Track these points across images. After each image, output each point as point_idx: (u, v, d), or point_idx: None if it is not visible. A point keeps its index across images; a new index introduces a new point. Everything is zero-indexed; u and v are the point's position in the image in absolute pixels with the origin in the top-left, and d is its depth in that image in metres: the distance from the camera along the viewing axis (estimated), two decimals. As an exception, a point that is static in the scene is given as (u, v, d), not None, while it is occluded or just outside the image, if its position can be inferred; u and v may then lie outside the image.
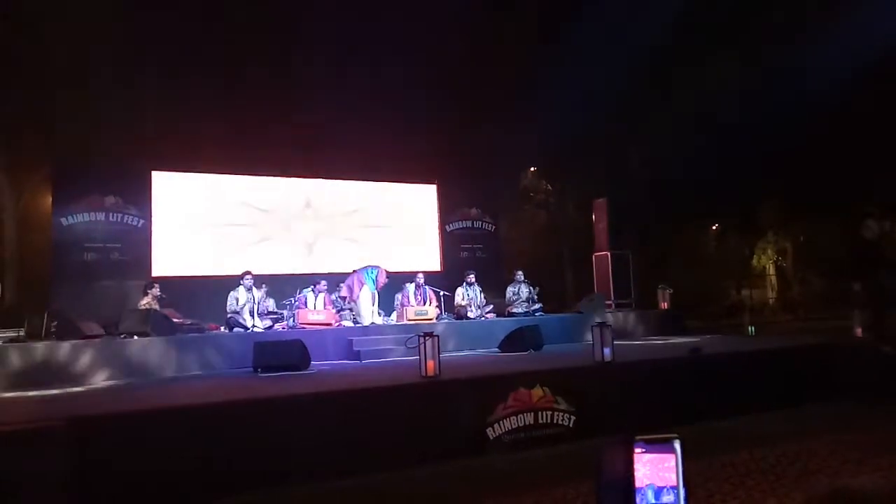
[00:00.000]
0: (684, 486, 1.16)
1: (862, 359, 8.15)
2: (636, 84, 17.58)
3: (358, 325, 10.55)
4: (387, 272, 11.42)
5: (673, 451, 1.16)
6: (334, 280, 11.87)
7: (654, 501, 1.13)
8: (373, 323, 10.86)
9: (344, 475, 5.21)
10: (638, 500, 1.12)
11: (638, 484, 1.14)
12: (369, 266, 11.38)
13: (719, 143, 20.56)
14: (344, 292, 11.31)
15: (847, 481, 0.82)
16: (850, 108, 18.52)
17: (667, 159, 18.75)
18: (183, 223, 12.63)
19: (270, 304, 10.62)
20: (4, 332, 8.86)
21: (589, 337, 7.36)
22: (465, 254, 14.99)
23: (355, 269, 11.49)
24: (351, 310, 10.99)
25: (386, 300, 11.58)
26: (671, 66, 17.51)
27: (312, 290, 10.76)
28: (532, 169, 22.21)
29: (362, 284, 11.09)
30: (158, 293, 10.45)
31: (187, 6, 13.56)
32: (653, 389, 6.86)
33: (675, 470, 1.15)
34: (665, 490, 1.13)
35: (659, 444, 1.17)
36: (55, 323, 9.41)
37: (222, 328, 10.06)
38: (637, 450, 1.16)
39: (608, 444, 1.25)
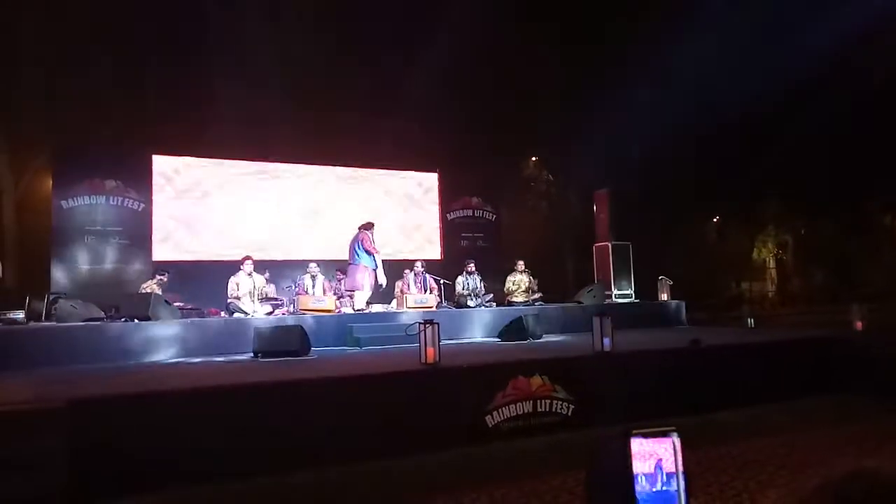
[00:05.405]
0: (684, 473, 1.16)
1: (861, 351, 8.15)
2: (639, 74, 17.48)
3: (358, 312, 10.54)
4: (363, 234, 11.08)
5: (671, 441, 1.16)
6: (333, 265, 11.88)
7: (653, 487, 1.12)
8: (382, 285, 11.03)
9: (343, 461, 5.23)
10: (637, 485, 1.12)
11: (636, 469, 1.14)
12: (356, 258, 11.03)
13: (721, 135, 20.50)
14: (347, 284, 11.25)
15: (865, 463, 0.82)
16: (854, 101, 18.44)
17: (669, 151, 18.69)
18: (183, 207, 12.62)
19: (271, 289, 10.62)
20: (5, 315, 8.87)
21: (589, 327, 7.36)
22: (465, 242, 14.99)
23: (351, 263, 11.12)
24: (351, 297, 10.98)
25: (386, 288, 11.58)
26: (675, 57, 17.42)
27: (310, 276, 10.71)
28: (534, 158, 22.15)
29: (364, 270, 10.97)
30: (163, 279, 10.48)
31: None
32: (652, 380, 6.86)
33: (674, 457, 1.15)
34: (665, 475, 1.13)
35: (656, 437, 1.17)
36: (56, 305, 9.46)
37: (223, 313, 10.07)
38: (634, 441, 1.16)
39: (603, 437, 1.25)
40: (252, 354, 8.10)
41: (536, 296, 11.84)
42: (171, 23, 13.42)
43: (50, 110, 13.63)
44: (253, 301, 9.85)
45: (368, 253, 10.87)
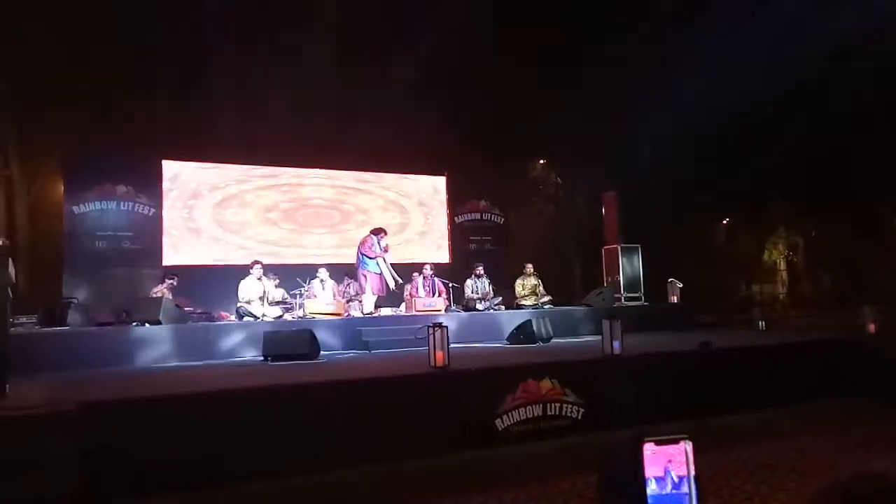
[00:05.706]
0: (696, 479, 1.16)
1: (871, 354, 8.10)
2: (643, 75, 17.43)
3: (367, 315, 10.58)
4: (365, 239, 11.45)
5: (683, 447, 1.17)
6: (342, 269, 11.91)
7: (664, 491, 1.13)
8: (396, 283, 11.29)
9: (352, 464, 5.24)
10: (648, 490, 1.12)
11: (648, 474, 1.14)
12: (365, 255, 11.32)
13: (731, 137, 20.41)
14: (355, 288, 11.37)
15: (870, 466, 0.83)
16: (862, 101, 18.32)
17: (677, 153, 18.62)
18: (193, 212, 12.68)
19: (280, 293, 10.67)
20: (18, 319, 8.94)
21: (598, 330, 7.35)
22: (473, 246, 14.97)
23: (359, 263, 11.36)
24: (360, 301, 11.01)
25: (395, 292, 11.60)
26: (682, 59, 17.37)
27: (319, 280, 10.76)
28: (541, 161, 22.10)
29: (369, 274, 11.13)
30: (173, 283, 10.54)
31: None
32: (662, 383, 6.84)
33: (685, 463, 1.15)
34: (677, 479, 1.13)
35: (668, 444, 1.18)
36: (67, 310, 9.53)
37: (232, 317, 10.12)
38: (646, 446, 1.16)
39: (614, 442, 1.25)
40: (262, 358, 8.14)
41: (545, 299, 11.81)
42: (180, 27, 13.49)
43: (60, 115, 13.73)
44: (262, 305, 9.89)
45: (371, 257, 11.01)
